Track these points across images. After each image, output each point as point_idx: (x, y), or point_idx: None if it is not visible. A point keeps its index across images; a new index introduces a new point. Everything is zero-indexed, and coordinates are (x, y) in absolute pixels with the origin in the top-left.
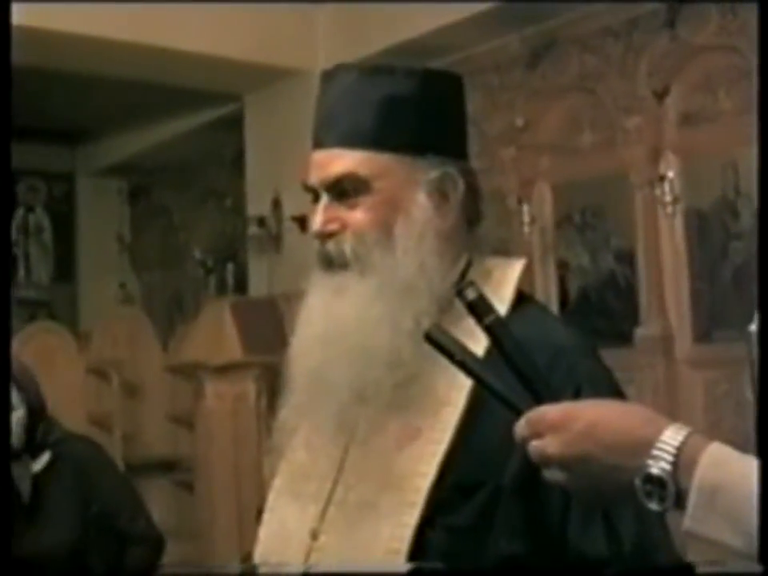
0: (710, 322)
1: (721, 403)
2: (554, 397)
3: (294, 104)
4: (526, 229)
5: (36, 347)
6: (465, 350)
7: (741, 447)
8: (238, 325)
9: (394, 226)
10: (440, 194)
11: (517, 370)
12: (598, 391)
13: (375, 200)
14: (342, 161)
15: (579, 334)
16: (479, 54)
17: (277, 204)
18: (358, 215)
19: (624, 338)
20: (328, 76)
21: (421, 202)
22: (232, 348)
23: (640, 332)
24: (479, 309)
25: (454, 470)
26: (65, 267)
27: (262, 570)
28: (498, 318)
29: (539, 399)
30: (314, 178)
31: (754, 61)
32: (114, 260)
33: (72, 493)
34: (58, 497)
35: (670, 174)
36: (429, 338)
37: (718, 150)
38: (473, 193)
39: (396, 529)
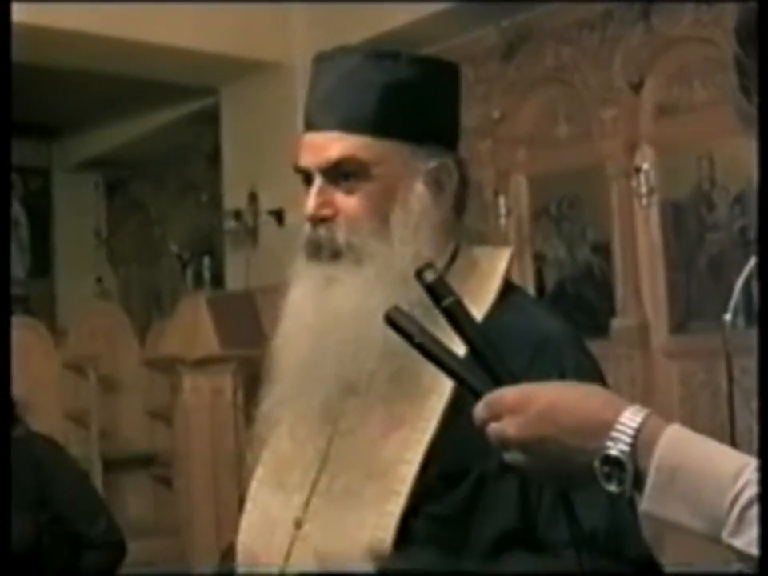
0: (686, 313)
1: (697, 394)
2: (514, 379)
3: (271, 97)
4: (503, 221)
5: (12, 343)
6: (424, 331)
7: (717, 437)
8: (215, 319)
9: (390, 214)
10: (436, 184)
11: (476, 353)
12: (583, 379)
13: (372, 187)
14: (341, 144)
15: (565, 322)
16: (455, 46)
17: (253, 198)
18: (353, 201)
19: (600, 330)
20: (326, 57)
21: (418, 191)
22: (209, 342)
23: (616, 323)
24: (438, 291)
25: (439, 459)
26: (41, 262)
27: (240, 570)
28: (457, 301)
29: (498, 382)
30: (309, 160)
31: (729, 52)
32: (91, 255)
33: (28, 492)
34: (13, 496)
35: (646, 166)
36: (388, 320)
37: (693, 141)
38: (464, 183)
39: (381, 518)
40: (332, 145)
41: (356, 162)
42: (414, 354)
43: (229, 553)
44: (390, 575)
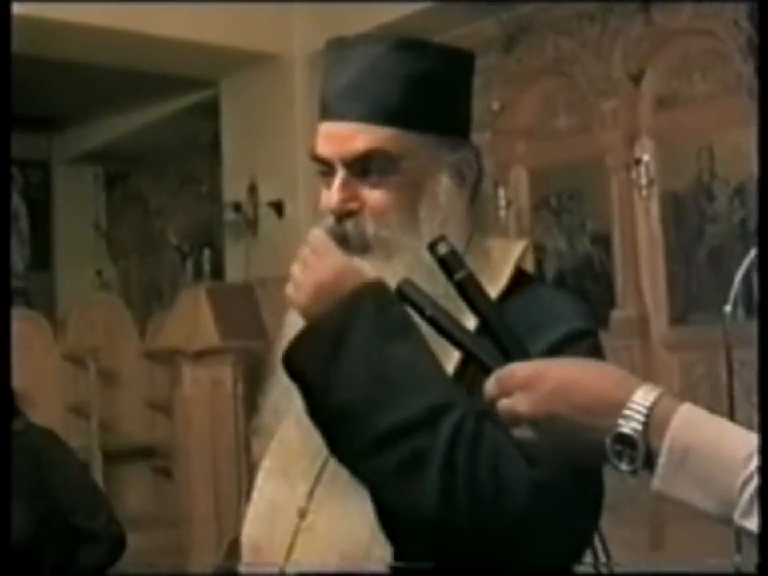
0: (685, 305)
1: (697, 385)
2: (525, 355)
3: (270, 89)
4: (503, 213)
5: (12, 335)
6: (436, 305)
7: None
8: (215, 310)
9: (418, 208)
10: (459, 176)
11: (488, 327)
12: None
13: (399, 180)
14: (367, 136)
15: (585, 309)
16: (455, 37)
17: (253, 189)
18: (379, 195)
19: (600, 321)
20: (346, 44)
21: (445, 184)
22: (208, 334)
23: (616, 315)
24: (450, 264)
25: None
26: (41, 255)
27: (242, 564)
28: (469, 274)
29: (509, 357)
30: (330, 150)
31: (729, 44)
32: (91, 247)
33: (27, 485)
34: (12, 488)
35: (646, 157)
36: (400, 293)
37: (693, 133)
38: (480, 174)
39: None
40: (358, 136)
41: (384, 155)
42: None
43: (234, 546)
44: (393, 573)
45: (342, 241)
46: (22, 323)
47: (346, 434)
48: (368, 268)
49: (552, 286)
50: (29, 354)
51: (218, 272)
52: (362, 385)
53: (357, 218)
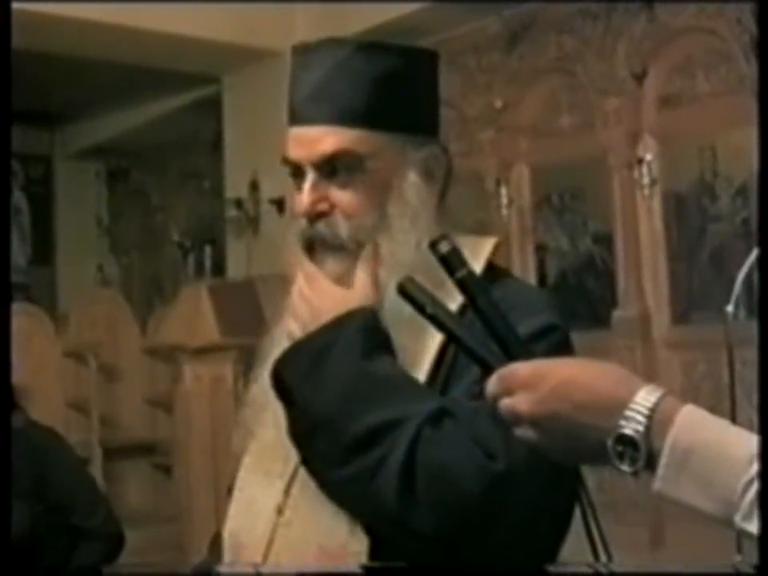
0: (687, 304)
1: (698, 385)
2: (527, 352)
3: (273, 86)
4: (504, 211)
5: (13, 330)
6: (437, 303)
7: None
8: (216, 307)
9: (387, 206)
10: (427, 173)
11: (489, 326)
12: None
13: (367, 180)
14: (335, 138)
15: (553, 303)
16: (458, 35)
17: (255, 186)
18: (348, 196)
19: (602, 320)
20: (310, 49)
21: (413, 181)
22: (209, 330)
23: (618, 314)
24: (452, 262)
25: None
26: (42, 250)
27: (225, 559)
28: (471, 273)
29: (511, 356)
30: (300, 154)
31: (732, 43)
32: (93, 242)
33: (26, 482)
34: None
35: (648, 157)
36: (401, 291)
37: (696, 132)
38: (448, 171)
39: None
40: (325, 138)
41: (352, 156)
42: (402, 351)
43: (216, 540)
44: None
45: (319, 242)
46: (23, 318)
47: (318, 446)
48: (357, 295)
49: (521, 281)
50: (29, 349)
51: (219, 268)
52: (336, 399)
53: (328, 218)
